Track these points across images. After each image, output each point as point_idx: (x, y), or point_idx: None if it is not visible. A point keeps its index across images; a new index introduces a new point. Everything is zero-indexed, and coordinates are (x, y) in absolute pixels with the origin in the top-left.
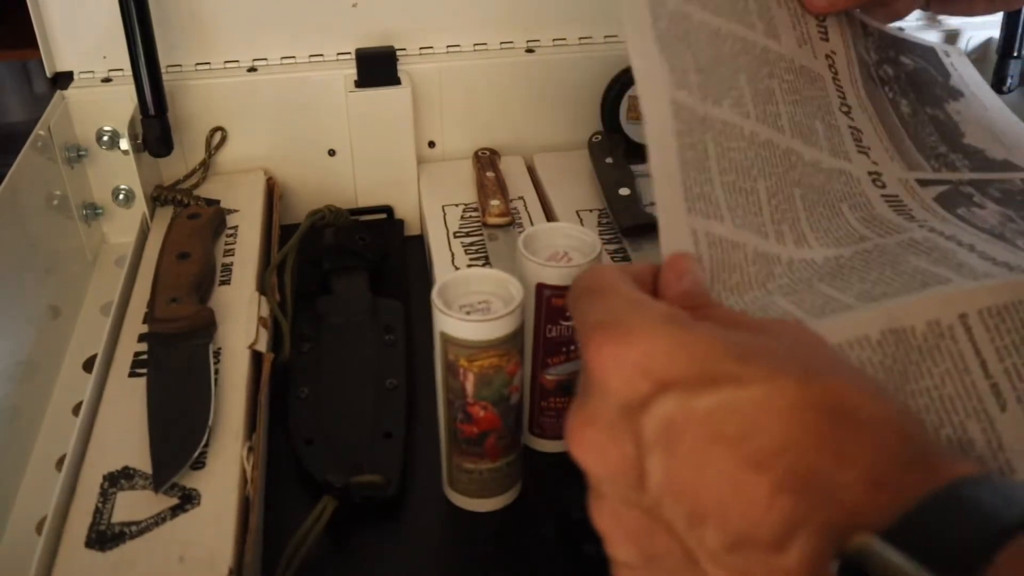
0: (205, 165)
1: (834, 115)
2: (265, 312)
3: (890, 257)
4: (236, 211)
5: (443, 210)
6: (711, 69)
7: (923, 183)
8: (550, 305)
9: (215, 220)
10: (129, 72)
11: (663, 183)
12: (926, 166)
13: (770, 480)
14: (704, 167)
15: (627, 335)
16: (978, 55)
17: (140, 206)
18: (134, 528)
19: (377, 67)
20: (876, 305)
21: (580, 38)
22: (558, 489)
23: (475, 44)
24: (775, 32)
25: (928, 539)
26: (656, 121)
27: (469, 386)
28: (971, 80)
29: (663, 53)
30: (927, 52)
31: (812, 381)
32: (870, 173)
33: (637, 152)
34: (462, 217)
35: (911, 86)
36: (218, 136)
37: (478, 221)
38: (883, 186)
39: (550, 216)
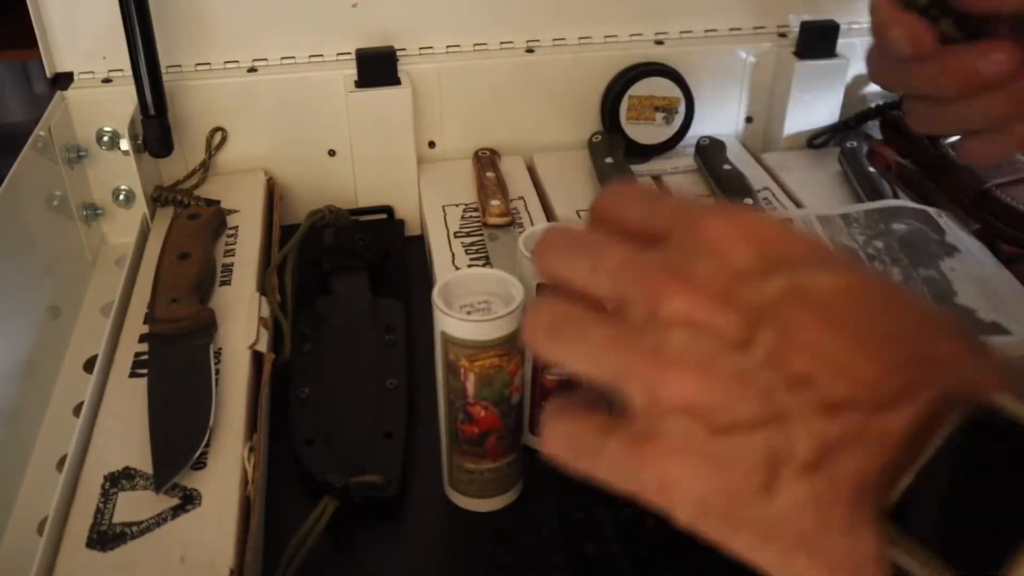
0: (205, 165)
1: None
2: (265, 312)
3: None
4: (236, 211)
5: (443, 210)
6: None
7: None
8: None
9: (215, 220)
10: (129, 72)
11: None
12: None
13: (890, 358)
14: None
15: (743, 213)
16: None
17: (140, 206)
18: (135, 528)
19: (377, 67)
20: None
21: (580, 38)
22: (559, 489)
23: (475, 44)
24: None
25: None
26: None
27: (470, 386)
28: (964, 238)
29: None
30: (919, 214)
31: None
32: None
33: (637, 152)
34: (462, 217)
35: (904, 249)
36: (218, 136)
37: (478, 221)
38: None
39: (550, 216)
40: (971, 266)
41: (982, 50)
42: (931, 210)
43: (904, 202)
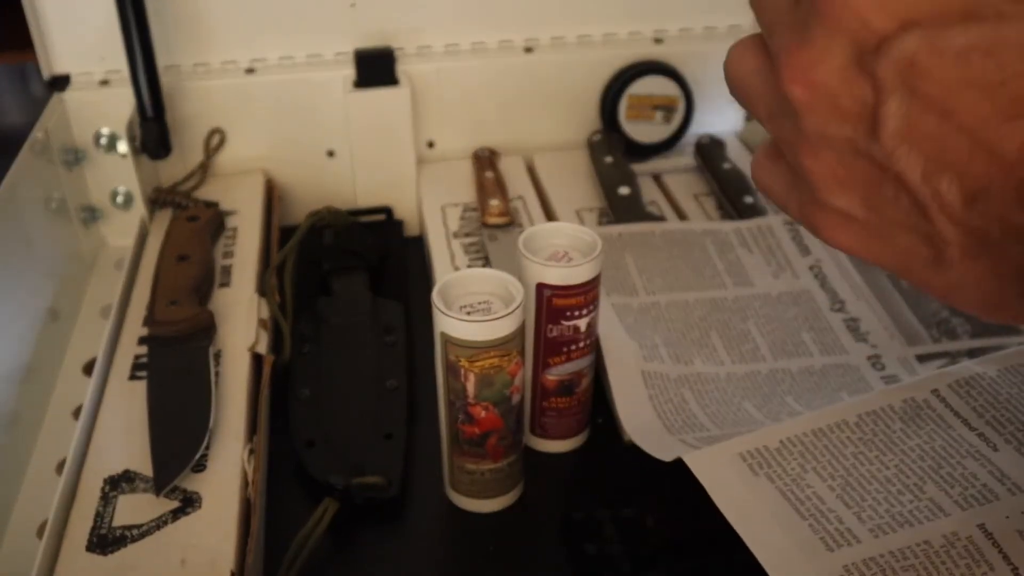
0: (204, 167)
1: (824, 318)
2: (265, 314)
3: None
4: (235, 213)
5: (443, 210)
6: (680, 339)
7: (922, 358)
8: (550, 305)
9: (214, 222)
10: (126, 74)
11: (633, 424)
12: (926, 336)
13: None
14: (683, 408)
15: None
16: None
17: (139, 208)
18: (135, 531)
19: (375, 67)
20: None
21: (579, 36)
22: (560, 489)
23: (473, 43)
24: (746, 280)
25: None
26: (624, 388)
27: (470, 387)
28: None
29: (632, 338)
30: None
31: None
32: (869, 358)
33: (637, 151)
34: (462, 217)
35: None
36: (216, 138)
37: (478, 221)
38: (882, 368)
39: (550, 216)
40: None
41: None
42: None
43: None
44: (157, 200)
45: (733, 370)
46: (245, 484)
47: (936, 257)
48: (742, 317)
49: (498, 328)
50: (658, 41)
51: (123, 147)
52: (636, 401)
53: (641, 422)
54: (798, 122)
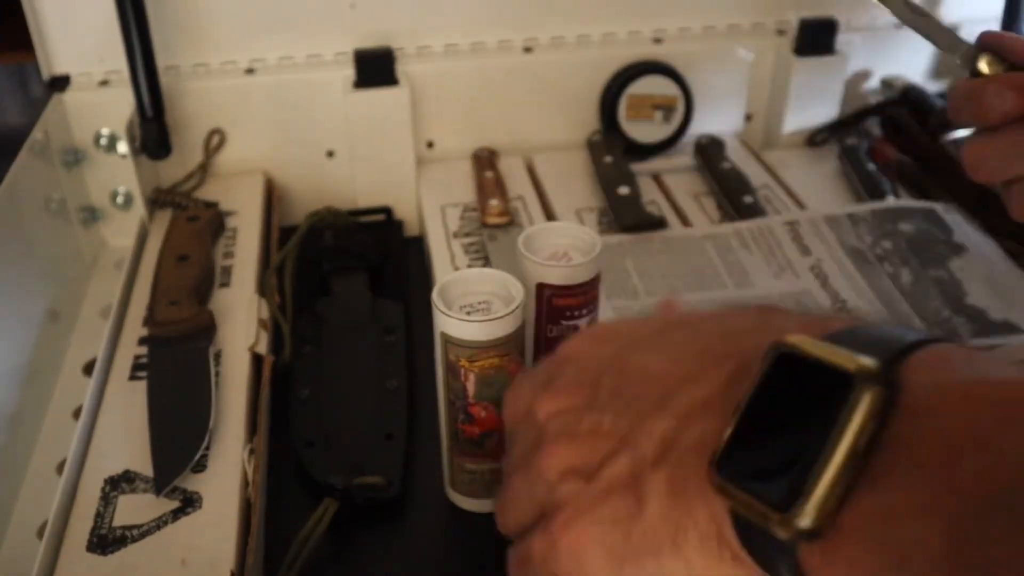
0: (203, 167)
1: None
2: (265, 314)
3: None
4: (235, 213)
5: (442, 210)
6: None
7: None
8: (551, 305)
9: (214, 222)
10: (126, 74)
11: None
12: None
13: (689, 352)
14: None
15: (585, 328)
16: None
17: (139, 209)
18: (135, 532)
19: (375, 67)
20: None
21: (578, 36)
22: None
23: (473, 43)
24: (747, 281)
25: (854, 342)
26: None
27: (470, 387)
28: (972, 234)
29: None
30: (926, 213)
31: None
32: None
33: (636, 151)
34: (461, 217)
35: (912, 252)
36: (216, 138)
37: (477, 221)
38: None
39: (550, 215)
40: (980, 265)
41: None
42: (937, 206)
43: (910, 202)
44: (157, 200)
45: None
46: (245, 484)
47: (638, 498)
48: None
49: (498, 328)
50: (657, 41)
51: (123, 147)
52: None
53: None
54: (543, 436)
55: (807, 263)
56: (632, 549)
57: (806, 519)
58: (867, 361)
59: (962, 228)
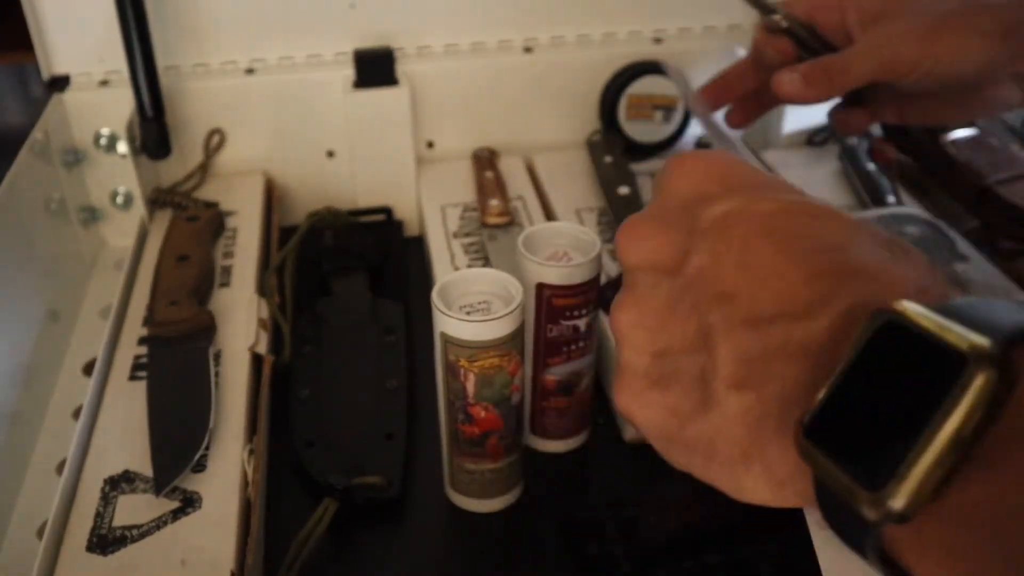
0: (203, 167)
1: None
2: (265, 314)
3: None
4: (235, 213)
5: (442, 210)
6: None
7: None
8: (550, 305)
9: (214, 222)
10: (126, 74)
11: None
12: None
13: (812, 267)
14: None
15: (707, 153)
16: None
17: (139, 209)
18: (135, 532)
19: (375, 67)
20: None
21: (578, 36)
22: (560, 489)
23: (473, 43)
24: None
25: (967, 317)
26: None
27: (470, 387)
28: (972, 251)
29: None
30: (930, 224)
31: (870, 224)
32: None
33: (636, 151)
34: (461, 217)
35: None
36: (216, 138)
37: (477, 221)
38: None
39: (550, 216)
40: (983, 270)
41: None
42: (940, 223)
43: (914, 210)
44: (157, 200)
45: None
46: (245, 484)
47: (702, 401)
48: None
49: (498, 328)
50: (657, 41)
51: (123, 147)
52: None
53: None
54: (627, 280)
55: None
56: (684, 442)
57: (899, 501)
58: (982, 341)
59: (963, 243)
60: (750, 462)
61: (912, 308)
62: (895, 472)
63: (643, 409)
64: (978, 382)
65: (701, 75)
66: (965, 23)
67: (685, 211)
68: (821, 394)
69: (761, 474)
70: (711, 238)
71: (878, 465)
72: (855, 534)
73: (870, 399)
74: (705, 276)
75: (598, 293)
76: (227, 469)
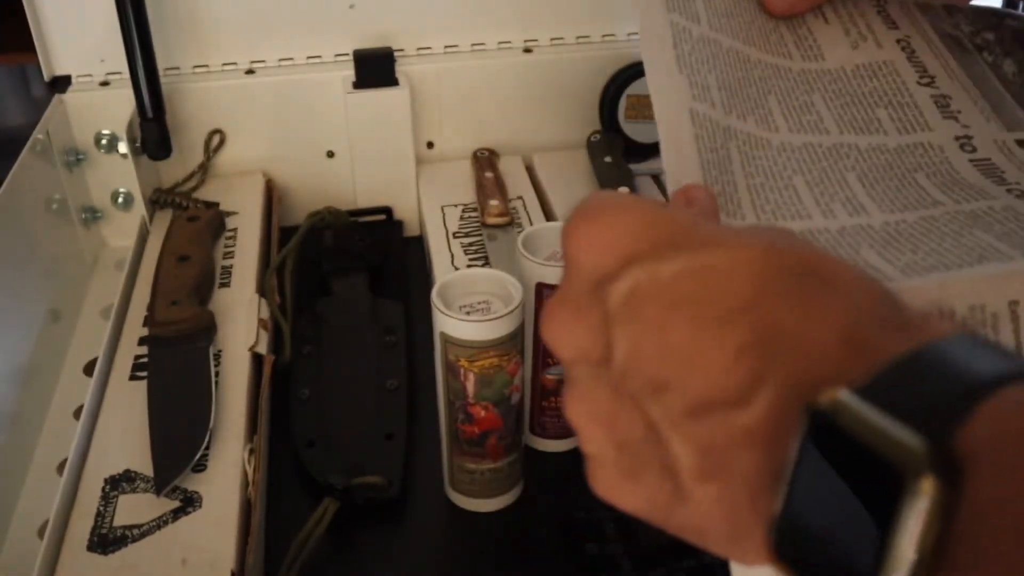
0: (204, 168)
1: (908, 92)
2: (265, 314)
3: (955, 227)
4: (235, 213)
5: (442, 211)
6: (736, 89)
7: (1023, 143)
8: None
9: (214, 223)
10: (127, 75)
11: (678, 178)
12: None
13: (732, 340)
14: (727, 169)
15: (599, 215)
16: None
17: (139, 209)
18: (136, 531)
19: (375, 68)
20: (919, 279)
21: (578, 37)
22: (560, 488)
23: (473, 44)
24: (816, 53)
25: (904, 395)
26: (671, 126)
27: (470, 386)
28: None
29: (683, 72)
30: None
31: (779, 248)
32: (957, 138)
33: (636, 151)
34: (461, 217)
35: (1018, 43)
36: (216, 138)
37: (477, 221)
38: (973, 150)
39: (549, 216)
40: None
41: None
42: None
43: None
44: (157, 201)
45: (788, 139)
46: (245, 484)
47: (676, 490)
48: (807, 89)
49: (498, 328)
50: None
51: (124, 148)
52: (681, 139)
53: (684, 166)
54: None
55: (893, 36)
56: (675, 527)
57: None
58: (916, 445)
59: None
60: (741, 542)
61: (843, 404)
62: None
63: (624, 499)
64: (922, 502)
65: None
66: None
67: (591, 293)
68: (777, 504)
69: (757, 551)
70: (625, 322)
71: None
72: None
73: (829, 501)
74: (632, 365)
75: None
76: (227, 469)
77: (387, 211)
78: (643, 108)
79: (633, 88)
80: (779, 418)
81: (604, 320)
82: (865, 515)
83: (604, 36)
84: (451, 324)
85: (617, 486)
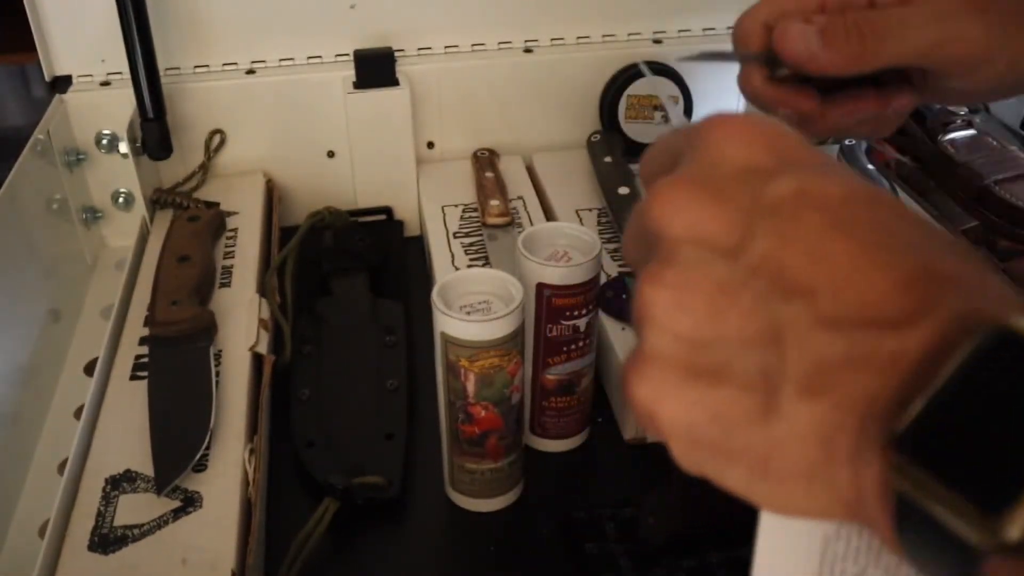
0: (204, 168)
1: None
2: (265, 314)
3: None
4: (236, 213)
5: (442, 211)
6: None
7: None
8: (550, 305)
9: (215, 223)
10: (128, 75)
11: None
12: None
13: (901, 270)
14: None
15: (751, 117)
16: None
17: (140, 209)
18: (136, 531)
19: (375, 68)
20: None
21: (578, 37)
22: (560, 488)
23: (473, 44)
24: None
25: None
26: None
27: (470, 386)
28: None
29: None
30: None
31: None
32: None
33: (636, 151)
34: (461, 217)
35: None
36: (217, 138)
37: (478, 221)
38: None
39: (550, 216)
40: None
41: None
42: (938, 224)
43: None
44: (158, 201)
45: None
46: (246, 484)
47: (762, 404)
48: None
49: (498, 328)
50: (657, 42)
51: (124, 148)
52: None
53: None
54: (657, 251)
55: None
56: (725, 451)
57: (1015, 528)
58: None
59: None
60: (813, 481)
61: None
62: (1015, 496)
63: (673, 406)
64: None
65: (701, 75)
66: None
67: (740, 182)
68: (916, 407)
69: (822, 494)
70: (778, 220)
71: (987, 489)
72: (950, 565)
73: (971, 415)
74: (774, 264)
75: (598, 293)
76: (228, 469)
77: (387, 211)
78: (643, 108)
79: (633, 88)
80: (935, 346)
81: (749, 211)
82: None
83: (604, 36)
84: (451, 324)
85: (671, 390)
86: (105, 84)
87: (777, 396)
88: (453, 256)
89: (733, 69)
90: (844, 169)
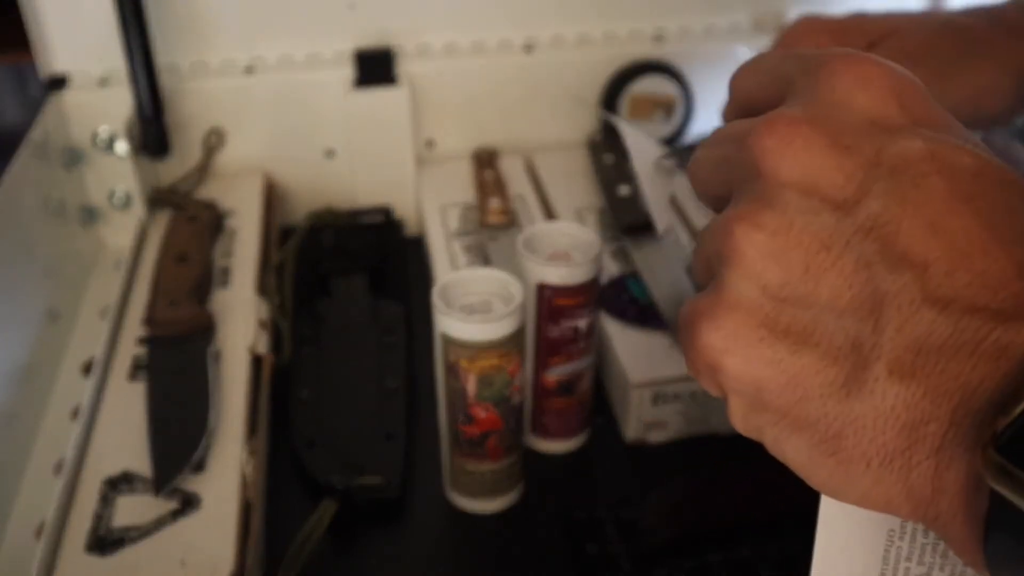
0: (203, 167)
1: None
2: (264, 314)
3: None
4: (234, 213)
5: (442, 210)
6: None
7: None
8: (551, 305)
9: (213, 222)
10: (125, 74)
11: None
12: None
13: (1021, 259)
14: None
15: (884, 64)
16: None
17: (138, 209)
18: (135, 533)
19: (375, 67)
20: None
21: (578, 35)
22: (560, 489)
23: (473, 43)
24: None
25: None
26: None
27: (470, 387)
28: None
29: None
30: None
31: None
32: None
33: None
34: (461, 217)
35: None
36: (215, 138)
37: (477, 221)
38: None
39: (550, 215)
40: None
41: None
42: None
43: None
44: (156, 200)
45: None
46: (245, 485)
47: (846, 379)
48: None
49: (498, 328)
50: (658, 40)
51: (122, 147)
52: None
53: None
54: (753, 194)
55: None
56: (795, 418)
57: None
58: None
59: None
60: (887, 468)
61: None
62: None
63: (745, 362)
64: None
65: (701, 75)
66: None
67: (864, 133)
68: (1021, 407)
69: (893, 484)
70: (900, 181)
71: None
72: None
73: None
74: (888, 228)
75: (598, 293)
76: (227, 469)
77: (387, 211)
78: (644, 108)
79: (634, 87)
80: None
81: (870, 166)
82: None
83: (605, 34)
84: (452, 324)
85: (745, 344)
86: (102, 83)
87: (865, 372)
88: (453, 256)
89: (731, 66)
90: (978, 141)
